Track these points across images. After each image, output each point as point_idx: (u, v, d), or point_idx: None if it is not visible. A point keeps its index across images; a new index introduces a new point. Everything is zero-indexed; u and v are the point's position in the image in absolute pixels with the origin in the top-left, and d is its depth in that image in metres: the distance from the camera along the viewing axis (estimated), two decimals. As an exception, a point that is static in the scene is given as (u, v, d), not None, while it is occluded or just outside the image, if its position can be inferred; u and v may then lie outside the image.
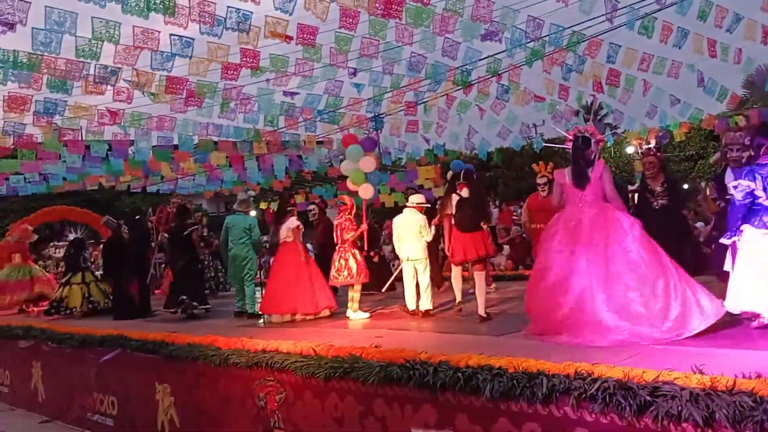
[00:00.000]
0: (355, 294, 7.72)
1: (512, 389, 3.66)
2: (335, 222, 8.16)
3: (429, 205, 7.96)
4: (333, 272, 7.88)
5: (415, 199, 7.70)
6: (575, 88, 11.67)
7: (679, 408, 3.04)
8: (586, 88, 11.55)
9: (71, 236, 12.40)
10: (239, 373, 5.51)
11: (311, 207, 10.42)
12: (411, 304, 7.39)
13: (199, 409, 6.06)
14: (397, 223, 7.60)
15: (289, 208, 8.34)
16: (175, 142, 12.35)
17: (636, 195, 9.73)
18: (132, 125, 10.81)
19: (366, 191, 8.24)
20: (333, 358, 4.79)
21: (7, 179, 13.93)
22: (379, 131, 13.09)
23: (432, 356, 4.26)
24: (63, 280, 11.36)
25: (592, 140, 5.47)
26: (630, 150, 23.24)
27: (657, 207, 6.88)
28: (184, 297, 8.94)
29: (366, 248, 8.21)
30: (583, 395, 3.38)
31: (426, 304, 7.25)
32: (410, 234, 7.35)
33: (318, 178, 20.24)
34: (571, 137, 5.56)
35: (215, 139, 12.67)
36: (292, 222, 8.12)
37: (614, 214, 5.19)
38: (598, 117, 27.65)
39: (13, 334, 9.44)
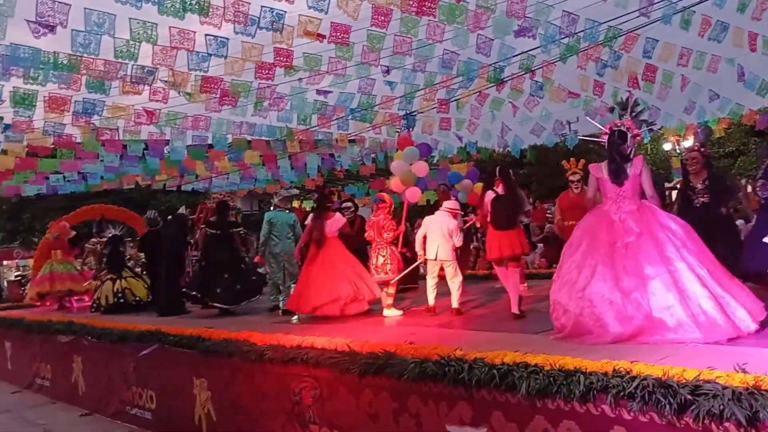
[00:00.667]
0: (390, 290, 7.74)
1: (549, 387, 3.64)
2: (372, 219, 8.20)
3: (461, 212, 7.97)
4: (371, 269, 7.95)
5: (449, 204, 7.74)
6: (610, 84, 11.52)
7: (721, 407, 2.99)
8: (622, 84, 11.39)
9: (110, 233, 12.67)
10: (274, 368, 5.57)
11: (348, 204, 10.44)
12: (431, 300, 7.42)
13: (235, 404, 6.14)
14: (427, 223, 7.60)
15: (329, 204, 8.40)
16: (210, 141, 12.52)
17: (673, 192, 9.58)
18: (168, 125, 10.98)
19: (413, 194, 8.33)
20: (367, 354, 4.80)
21: (47, 178, 14.27)
22: (411, 129, 13.10)
23: (467, 353, 4.25)
24: (111, 276, 11.62)
25: (629, 135, 5.34)
26: (667, 147, 22.82)
27: (698, 204, 6.74)
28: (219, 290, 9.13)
29: (400, 246, 8.23)
30: (622, 393, 3.34)
31: (455, 302, 7.26)
32: (440, 236, 7.35)
33: (350, 177, 20.31)
34: (607, 131, 5.45)
35: (249, 138, 12.81)
36: (340, 219, 8.20)
37: (654, 210, 5.09)
38: (634, 113, 27.26)
39: (55, 329, 9.65)
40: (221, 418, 6.35)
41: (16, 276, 31.41)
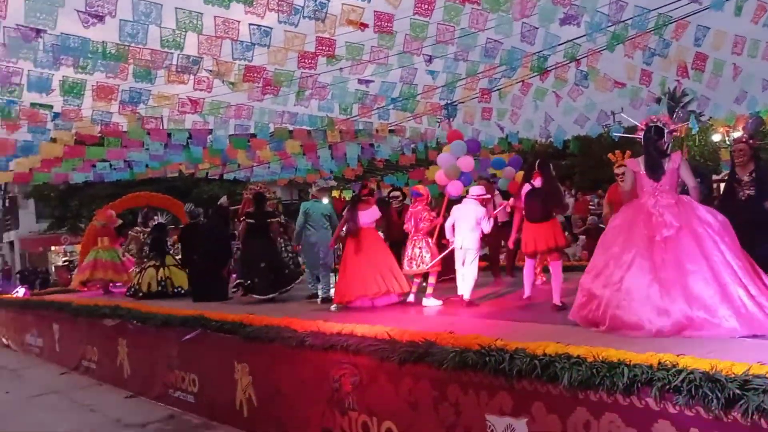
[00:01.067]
0: (430, 280, 7.79)
1: (591, 378, 3.59)
2: (410, 210, 8.21)
3: (489, 196, 7.91)
4: (406, 260, 7.96)
5: (475, 191, 7.69)
6: (658, 73, 11.26)
7: (772, 402, 2.92)
8: (670, 73, 11.12)
9: (156, 221, 12.99)
10: (315, 355, 5.61)
11: (396, 193, 10.42)
12: (460, 290, 7.42)
13: (275, 390, 6.21)
14: (455, 212, 7.63)
15: (365, 196, 8.40)
16: (252, 130, 12.65)
17: (721, 185, 9.33)
18: (211, 114, 11.13)
19: (456, 189, 8.30)
20: (407, 342, 4.81)
21: (94, 166, 14.61)
22: (451, 119, 13.02)
23: (508, 343, 4.22)
24: (155, 263, 11.88)
25: (665, 130, 5.31)
26: (716, 138, 22.23)
27: (743, 197, 6.59)
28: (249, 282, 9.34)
29: (435, 238, 8.23)
30: (667, 387, 3.28)
31: (465, 292, 7.28)
32: (466, 224, 7.36)
33: (389, 167, 20.31)
34: (643, 127, 5.42)
35: (290, 127, 12.91)
36: (376, 212, 8.21)
37: (692, 204, 5.04)
38: (682, 104, 26.64)
39: (101, 313, 9.90)
40: (262, 402, 6.44)
41: (64, 261, 32.34)
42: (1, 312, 15.72)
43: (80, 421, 7.81)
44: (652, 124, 5.34)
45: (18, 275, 29.85)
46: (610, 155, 8.54)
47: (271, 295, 9.45)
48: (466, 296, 7.31)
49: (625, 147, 9.17)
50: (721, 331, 4.39)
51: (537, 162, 6.99)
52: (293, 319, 6.27)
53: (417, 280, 8.01)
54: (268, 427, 6.36)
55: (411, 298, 7.85)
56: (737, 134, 14.73)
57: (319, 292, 8.91)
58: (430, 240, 7.95)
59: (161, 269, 11.75)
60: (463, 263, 7.40)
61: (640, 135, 5.43)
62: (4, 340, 15.23)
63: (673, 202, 5.04)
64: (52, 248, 36.62)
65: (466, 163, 8.36)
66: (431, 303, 7.60)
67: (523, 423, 3.99)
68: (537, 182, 6.81)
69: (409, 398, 4.78)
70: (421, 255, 7.82)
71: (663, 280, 4.70)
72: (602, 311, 4.96)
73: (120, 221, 14.85)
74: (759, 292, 4.56)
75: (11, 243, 38.61)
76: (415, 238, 7.92)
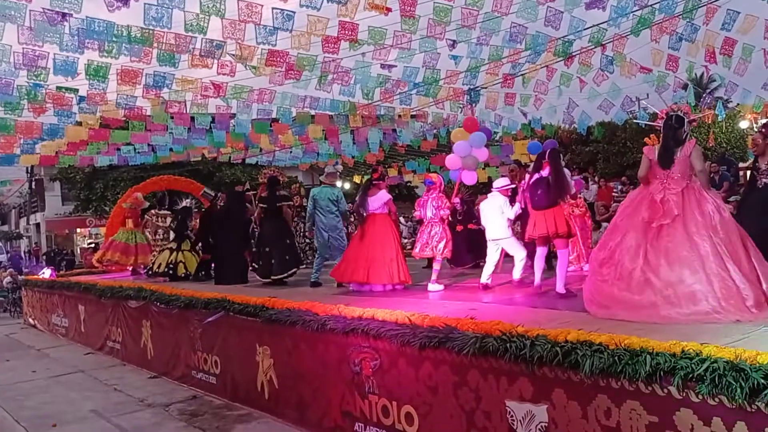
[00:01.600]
0: (435, 266, 7.93)
1: (613, 366, 3.57)
2: (422, 198, 8.26)
3: (514, 186, 7.90)
4: (419, 246, 8.05)
5: (500, 183, 7.74)
6: (685, 58, 11.07)
7: (796, 393, 2.89)
8: (697, 58, 10.93)
9: (186, 203, 13.14)
10: (336, 338, 5.65)
11: None
12: (484, 278, 7.46)
13: (296, 372, 6.27)
14: (482, 208, 7.76)
15: (375, 181, 8.43)
16: (274, 114, 12.67)
17: (748, 172, 9.18)
18: (234, 98, 11.17)
19: (470, 178, 8.48)
20: (428, 327, 4.82)
21: (118, 149, 14.77)
22: (474, 104, 12.93)
23: (529, 330, 4.21)
24: (172, 246, 12.02)
25: (686, 120, 5.35)
26: (743, 125, 21.84)
27: (760, 186, 6.55)
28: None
29: (460, 221, 8.28)
30: (690, 375, 3.26)
31: (516, 273, 7.48)
32: (492, 215, 7.47)
33: (411, 152, 20.27)
34: (663, 115, 5.47)
35: (312, 112, 12.91)
36: (384, 195, 8.24)
37: (697, 192, 5.10)
38: (708, 90, 26.19)
39: (126, 294, 10.04)
40: (283, 385, 6.50)
41: (89, 243, 32.75)
42: (28, 292, 16.02)
43: (105, 400, 7.96)
44: (672, 113, 5.40)
45: (44, 256, 30.35)
46: (646, 139, 8.46)
47: (271, 279, 9.53)
48: (516, 276, 7.52)
49: (650, 132, 9.05)
50: (704, 318, 4.50)
51: (548, 152, 6.96)
52: (315, 302, 6.30)
53: (437, 267, 8.01)
54: (288, 410, 6.43)
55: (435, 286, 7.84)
56: (765, 121, 14.48)
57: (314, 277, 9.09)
58: (446, 226, 8.00)
59: (174, 253, 11.89)
60: (500, 254, 7.57)
61: (660, 123, 5.50)
62: (31, 320, 15.54)
63: (679, 190, 5.11)
64: (78, 230, 37.11)
65: (482, 153, 8.46)
66: (434, 288, 7.72)
67: (543, 409, 3.99)
68: (545, 171, 6.80)
69: (429, 383, 4.80)
70: (434, 241, 7.88)
71: (654, 265, 4.85)
72: (602, 295, 5.15)
73: (147, 203, 15.02)
74: (747, 285, 4.61)
75: (37, 225, 39.17)
76: (431, 223, 7.96)
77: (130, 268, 14.06)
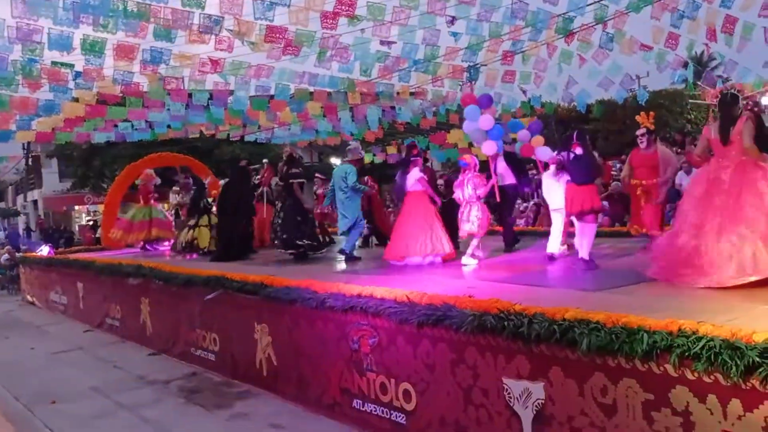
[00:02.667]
0: (474, 242, 8.05)
1: (610, 344, 3.59)
2: (460, 178, 8.26)
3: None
4: (461, 224, 8.15)
5: (545, 153, 8.21)
6: (686, 36, 10.98)
7: (791, 371, 2.91)
8: (699, 36, 10.84)
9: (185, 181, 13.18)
10: (334, 316, 5.67)
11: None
12: (550, 248, 7.89)
13: (295, 350, 6.30)
14: (544, 179, 8.22)
15: (413, 157, 8.53)
16: (272, 91, 12.58)
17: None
18: (232, 74, 11.07)
19: (489, 147, 8.46)
20: (426, 305, 4.84)
21: (116, 126, 14.66)
22: (473, 82, 12.83)
23: (527, 308, 4.23)
24: (191, 223, 12.07)
25: (740, 97, 5.59)
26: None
27: None
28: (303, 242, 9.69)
29: (498, 197, 8.41)
30: (686, 353, 3.28)
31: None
32: (555, 186, 7.79)
33: (410, 130, 20.17)
34: (717, 94, 5.72)
35: (311, 89, 12.81)
36: (416, 173, 8.38)
37: (750, 168, 5.32)
38: (708, 68, 26.06)
39: (125, 272, 10.05)
40: (281, 362, 6.54)
41: (88, 220, 32.75)
42: (26, 270, 16.05)
43: (104, 377, 8.01)
44: (726, 92, 5.67)
45: (42, 233, 30.32)
46: (637, 117, 8.46)
47: (290, 251, 9.78)
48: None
49: (650, 109, 9.02)
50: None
51: (575, 133, 7.35)
52: (313, 280, 6.32)
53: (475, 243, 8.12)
54: (287, 387, 6.47)
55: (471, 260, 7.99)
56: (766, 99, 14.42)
57: (345, 248, 9.24)
58: (483, 206, 8.12)
59: (191, 230, 11.94)
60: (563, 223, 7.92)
61: (714, 101, 5.76)
62: (29, 297, 15.58)
63: (735, 165, 5.36)
64: (76, 207, 37.08)
65: (486, 121, 8.44)
66: (470, 261, 7.88)
67: (540, 387, 4.02)
68: (578, 150, 7.07)
69: (426, 360, 4.83)
70: (475, 219, 7.99)
71: (715, 237, 5.13)
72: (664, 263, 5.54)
73: (158, 179, 15.05)
74: None
75: (35, 202, 39.14)
76: (470, 203, 8.05)
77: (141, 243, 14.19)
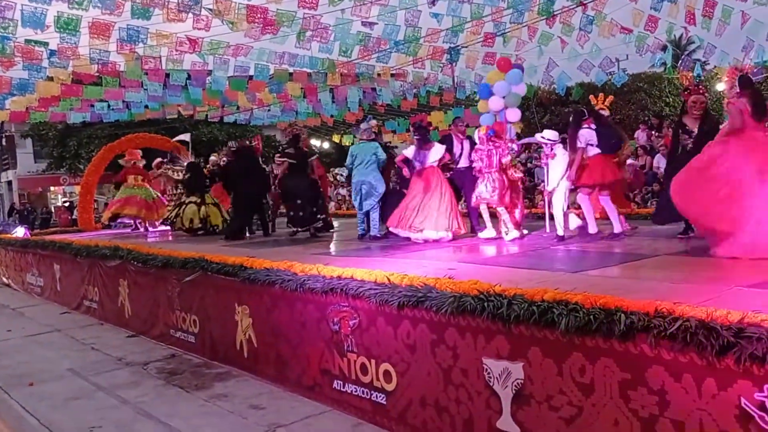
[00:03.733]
0: (504, 216, 8.17)
1: (588, 325, 3.63)
2: (480, 148, 8.35)
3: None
4: (476, 196, 8.31)
5: (550, 134, 8.12)
6: (665, 19, 11.04)
7: (764, 350, 2.94)
8: (678, 20, 10.91)
9: (184, 161, 13.07)
10: (315, 298, 5.66)
11: None
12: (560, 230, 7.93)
13: (275, 331, 6.29)
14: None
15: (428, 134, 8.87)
16: (252, 71, 12.47)
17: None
18: (210, 53, 10.94)
19: (514, 115, 9.18)
20: (407, 287, 4.85)
21: (92, 106, 14.46)
22: (453, 63, 12.81)
23: (506, 289, 4.26)
24: (186, 201, 11.98)
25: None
26: (720, 87, 21.95)
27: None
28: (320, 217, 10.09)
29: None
30: (663, 333, 3.31)
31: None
32: (557, 165, 7.90)
33: (391, 111, 20.12)
34: (732, 75, 6.32)
35: (291, 69, 12.72)
36: (440, 149, 8.59)
37: None
38: (687, 52, 26.23)
39: (101, 253, 9.95)
40: (262, 344, 6.54)
41: (64, 202, 32.31)
42: (1, 251, 15.82)
43: (82, 359, 7.94)
44: (741, 73, 6.14)
45: (17, 214, 29.88)
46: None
47: (305, 228, 10.11)
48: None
49: (629, 95, 9.14)
50: None
51: (587, 111, 7.77)
52: (294, 262, 6.30)
53: (505, 217, 8.22)
54: (267, 368, 6.47)
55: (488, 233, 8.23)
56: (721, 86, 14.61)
57: (373, 231, 9.33)
58: (503, 175, 8.22)
59: (202, 207, 11.85)
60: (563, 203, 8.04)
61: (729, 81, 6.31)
62: (4, 279, 15.37)
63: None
64: (51, 188, 36.57)
65: (521, 89, 9.19)
66: (487, 234, 8.23)
67: (519, 367, 4.06)
68: (594, 125, 7.48)
69: (407, 341, 4.85)
70: (491, 188, 8.13)
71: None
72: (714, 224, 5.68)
73: (144, 160, 14.88)
74: None
75: (9, 183, 38.52)
76: (487, 173, 8.17)
77: (141, 224, 14.09)
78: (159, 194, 14.35)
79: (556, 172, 7.81)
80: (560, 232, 7.70)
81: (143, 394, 6.42)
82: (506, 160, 8.16)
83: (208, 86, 13.24)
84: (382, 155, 9.36)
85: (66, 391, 6.63)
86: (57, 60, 10.19)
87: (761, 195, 5.38)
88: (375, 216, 9.40)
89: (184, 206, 11.92)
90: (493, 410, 4.25)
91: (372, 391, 5.21)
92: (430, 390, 4.70)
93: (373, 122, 10.42)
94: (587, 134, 7.44)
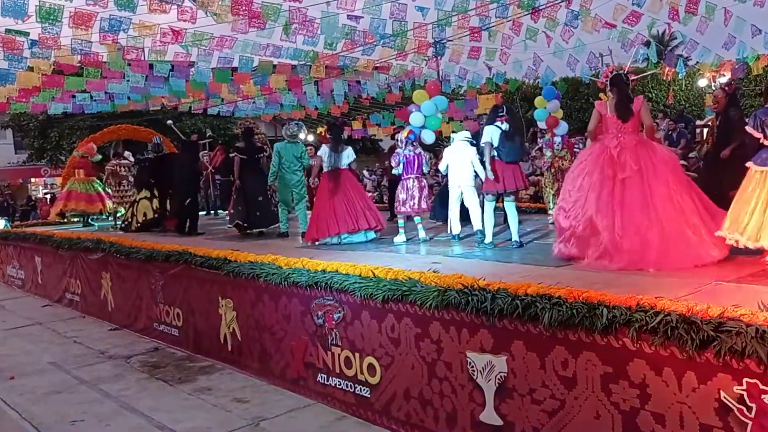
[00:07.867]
0: (419, 220, 8.10)
1: (571, 319, 3.67)
2: (411, 152, 8.14)
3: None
4: (399, 204, 8.11)
5: (463, 135, 7.92)
6: (648, 14, 11.10)
7: (744, 344, 3.00)
8: (661, 15, 10.98)
9: (130, 156, 12.87)
10: (299, 291, 5.67)
11: None
12: (455, 228, 7.75)
13: (260, 325, 6.29)
14: (446, 156, 7.86)
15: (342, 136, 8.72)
16: (236, 63, 12.36)
17: (704, 130, 9.42)
18: (194, 44, 10.83)
19: (429, 137, 8.97)
20: (391, 280, 4.86)
21: (74, 97, 14.28)
22: (439, 57, 12.80)
23: (490, 283, 4.29)
24: (138, 197, 11.77)
25: (629, 78, 5.89)
26: (702, 83, 22.14)
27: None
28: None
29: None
30: (644, 328, 3.36)
31: (476, 224, 7.52)
32: (462, 164, 7.60)
33: (376, 105, 20.09)
34: (608, 73, 5.89)
35: (275, 61, 12.63)
36: (351, 153, 8.36)
37: (652, 145, 5.52)
38: (669, 47, 26.42)
39: (84, 246, 9.87)
40: (246, 337, 6.53)
41: (45, 194, 31.95)
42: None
43: (64, 352, 7.89)
44: (621, 72, 5.82)
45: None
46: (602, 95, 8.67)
47: (263, 229, 9.77)
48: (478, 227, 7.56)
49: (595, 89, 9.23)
50: (670, 265, 4.88)
51: (503, 107, 7.37)
52: (278, 255, 6.29)
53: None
54: (251, 361, 6.47)
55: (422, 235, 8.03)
56: (724, 79, 14.72)
57: (301, 227, 9.03)
58: (423, 181, 8.14)
59: (155, 200, 11.67)
60: (458, 200, 7.72)
61: (604, 81, 5.91)
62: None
63: (635, 143, 5.45)
64: (32, 180, 36.14)
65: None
66: (399, 239, 7.97)
67: (503, 360, 4.09)
68: (504, 126, 7.08)
69: (391, 334, 4.87)
70: (413, 197, 8.00)
71: (621, 217, 5.18)
72: (572, 243, 5.51)
73: (100, 156, 14.64)
74: (703, 228, 5.05)
75: (-11, 174, 37.99)
76: (406, 179, 8.02)
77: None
78: (104, 187, 14.00)
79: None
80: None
81: (126, 387, 6.39)
82: (426, 168, 8.14)
83: (191, 78, 13.13)
84: (307, 161, 9.32)
85: (47, 385, 6.59)
86: (38, 50, 10.04)
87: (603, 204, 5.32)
88: (302, 213, 9.29)
89: (136, 204, 11.73)
90: (477, 403, 4.28)
91: (356, 385, 5.23)
92: (414, 383, 4.73)
93: (298, 123, 10.51)
94: (490, 131, 7.00)
